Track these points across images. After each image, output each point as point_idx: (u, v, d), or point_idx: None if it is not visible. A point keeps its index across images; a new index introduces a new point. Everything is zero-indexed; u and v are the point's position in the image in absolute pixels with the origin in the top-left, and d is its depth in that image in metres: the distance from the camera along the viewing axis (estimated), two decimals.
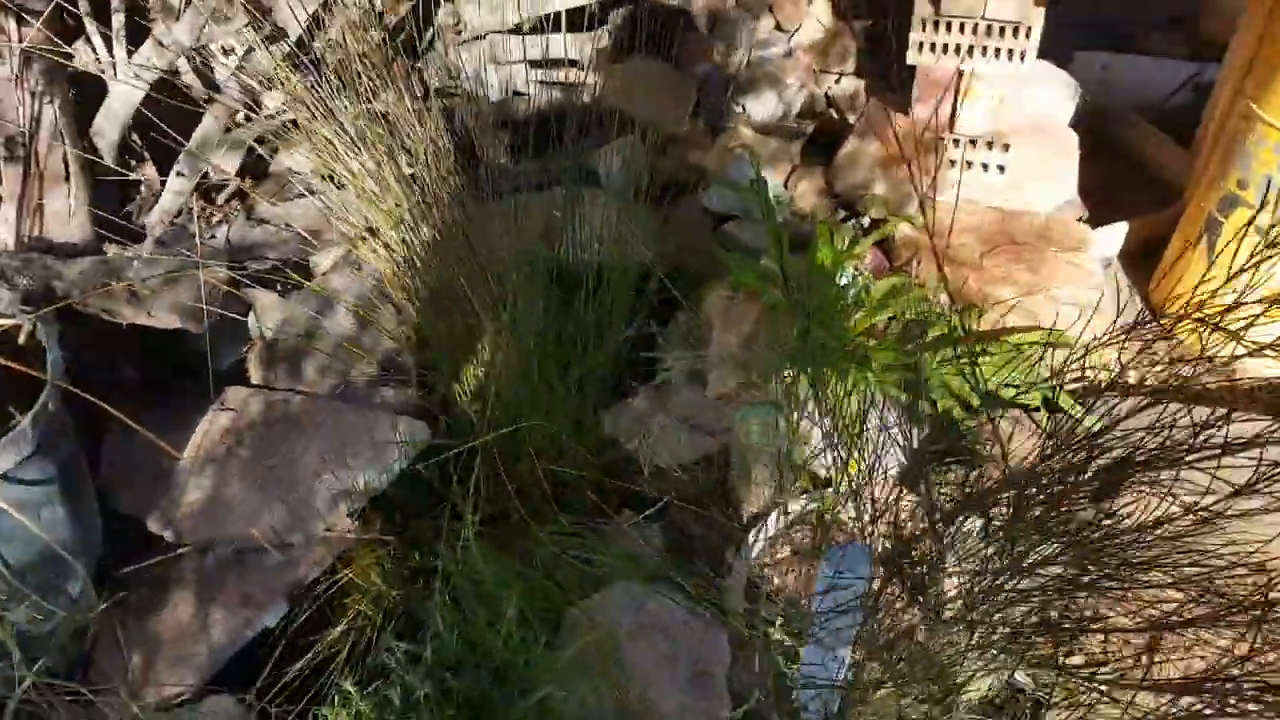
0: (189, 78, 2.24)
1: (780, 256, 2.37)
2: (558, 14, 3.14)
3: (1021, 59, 2.57)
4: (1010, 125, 2.67)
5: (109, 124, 2.13)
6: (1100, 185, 3.11)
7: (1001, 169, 2.74)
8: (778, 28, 3.22)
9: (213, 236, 2.02)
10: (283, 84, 1.80)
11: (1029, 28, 2.50)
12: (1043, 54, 2.83)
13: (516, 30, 3.19)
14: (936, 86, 2.67)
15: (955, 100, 2.65)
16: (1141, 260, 2.80)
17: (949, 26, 2.57)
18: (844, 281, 2.37)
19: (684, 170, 2.88)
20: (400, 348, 2.15)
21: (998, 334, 2.26)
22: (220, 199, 2.24)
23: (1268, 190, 2.30)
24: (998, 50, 2.57)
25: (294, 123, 1.94)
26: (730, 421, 2.24)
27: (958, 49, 2.60)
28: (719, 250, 2.37)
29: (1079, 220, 2.89)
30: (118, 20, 2.17)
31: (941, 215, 2.67)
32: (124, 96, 2.17)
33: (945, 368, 2.11)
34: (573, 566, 1.86)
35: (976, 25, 2.54)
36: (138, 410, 1.97)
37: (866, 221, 2.74)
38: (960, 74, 2.63)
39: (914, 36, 2.62)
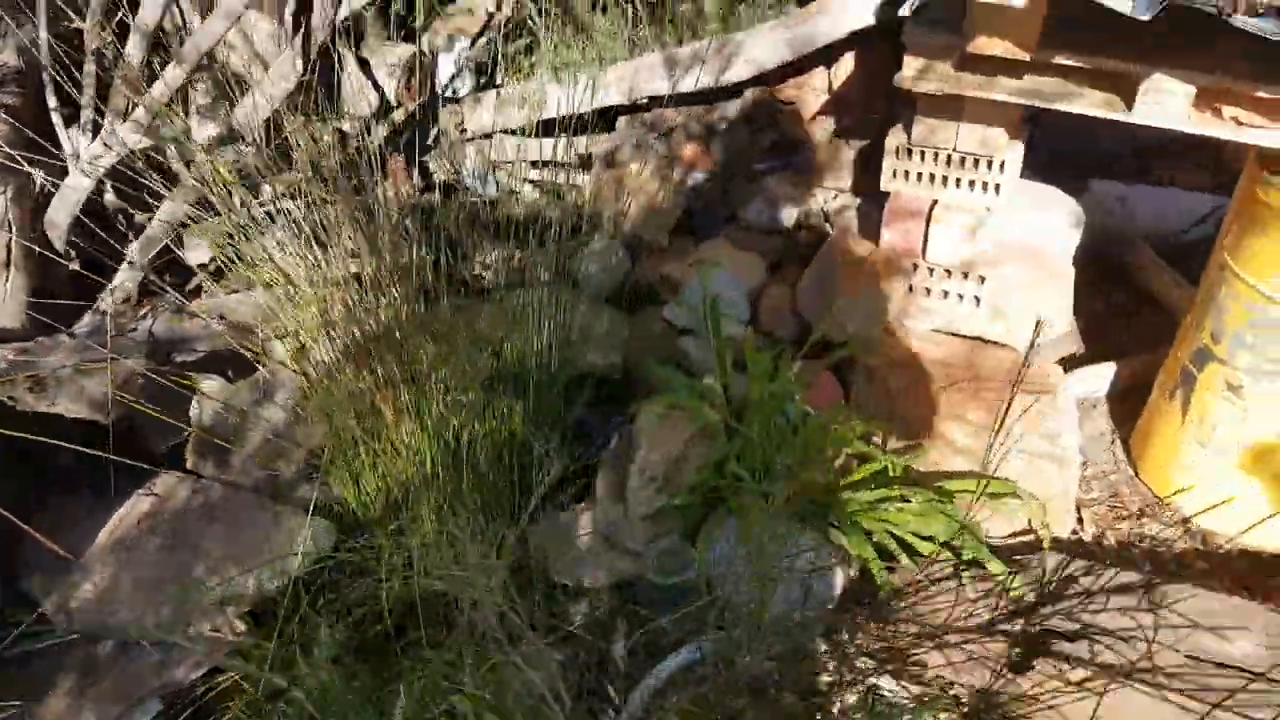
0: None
1: (724, 376, 2.31)
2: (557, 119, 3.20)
3: (995, 191, 2.49)
4: (992, 255, 2.58)
5: (61, 213, 2.21)
6: (1103, 316, 2.99)
7: (977, 300, 2.64)
8: (780, 140, 3.21)
9: (134, 329, 2.06)
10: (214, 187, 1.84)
11: (1002, 161, 2.43)
12: (1055, 180, 2.75)
13: (517, 132, 3.25)
14: (906, 213, 2.60)
15: (926, 228, 2.57)
16: (1129, 402, 2.66)
17: (921, 155, 2.52)
18: (788, 409, 2.29)
19: (658, 280, 2.86)
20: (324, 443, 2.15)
21: (933, 478, 2.15)
22: (127, 294, 2.26)
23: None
24: (970, 182, 2.50)
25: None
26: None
27: (931, 178, 2.54)
28: (655, 365, 2.32)
29: (1071, 355, 2.77)
30: (85, 115, 2.26)
31: (910, 344, 2.58)
32: (76, 186, 2.24)
33: (867, 513, 2.01)
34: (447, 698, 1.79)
35: (950, 156, 2.48)
36: (68, 493, 1.99)
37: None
38: (934, 202, 2.57)
39: (887, 163, 2.57)
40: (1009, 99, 2.12)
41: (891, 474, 2.15)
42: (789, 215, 3.08)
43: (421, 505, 1.97)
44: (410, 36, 3.36)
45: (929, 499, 1.98)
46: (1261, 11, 1.57)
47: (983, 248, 2.57)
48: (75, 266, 2.16)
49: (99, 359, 1.90)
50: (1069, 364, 2.73)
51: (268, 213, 2.10)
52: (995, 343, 2.65)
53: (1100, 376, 2.74)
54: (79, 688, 1.91)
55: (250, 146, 2.12)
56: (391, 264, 2.32)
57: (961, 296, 2.66)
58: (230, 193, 2.01)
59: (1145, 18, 1.61)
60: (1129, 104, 2.01)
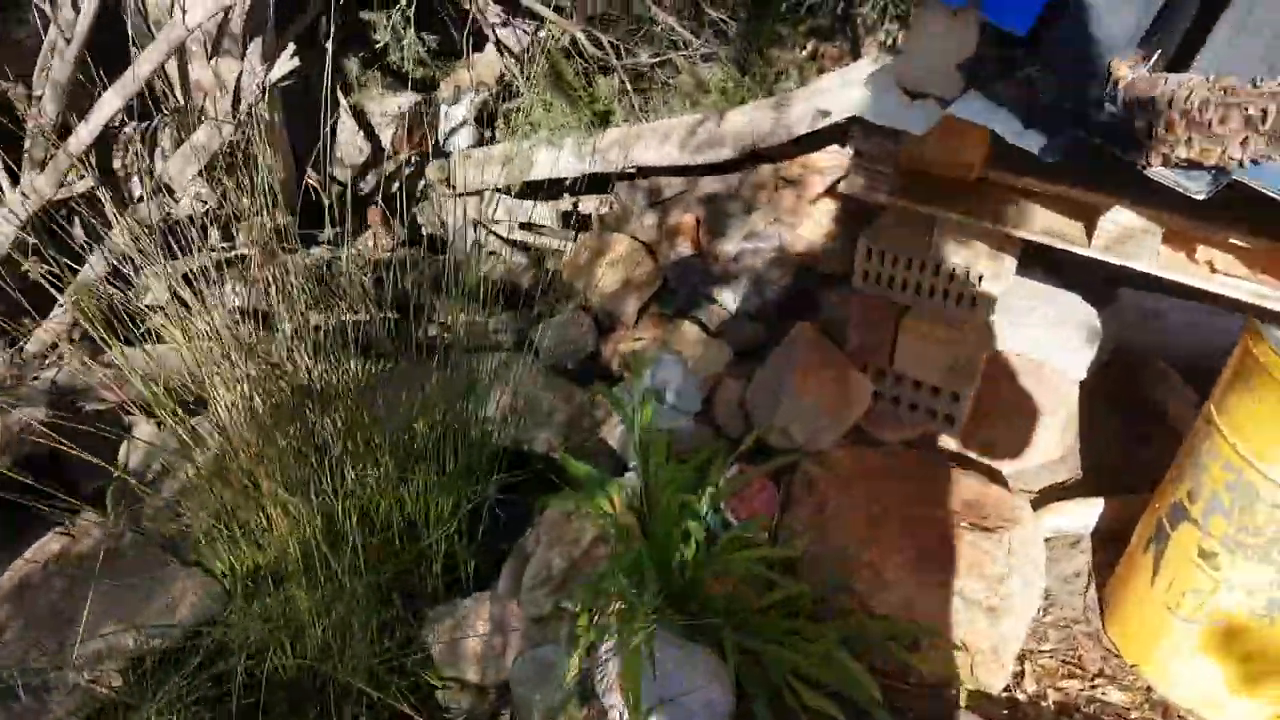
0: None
1: (645, 475, 2.19)
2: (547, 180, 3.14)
3: (972, 304, 2.31)
4: (970, 368, 2.40)
5: None
6: (1111, 441, 2.74)
7: (950, 420, 2.46)
8: (776, 221, 3.08)
9: (36, 379, 2.07)
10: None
11: (980, 274, 2.26)
12: (1080, 288, 2.53)
13: (508, 191, 3.21)
14: (875, 316, 2.44)
15: (894, 335, 2.41)
16: (1115, 544, 2.41)
17: (894, 259, 2.36)
18: (707, 518, 2.16)
19: (616, 357, 2.76)
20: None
21: (850, 614, 1.99)
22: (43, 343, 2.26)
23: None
24: (945, 292, 2.33)
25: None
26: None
27: (903, 284, 2.38)
28: (568, 459, 2.21)
29: (1061, 483, 2.55)
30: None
31: (867, 458, 2.41)
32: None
33: (765, 644, 1.86)
34: None
35: (923, 263, 2.32)
36: None
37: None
38: (905, 308, 2.41)
39: (857, 262, 2.41)
40: (954, 217, 1.96)
41: (801, 605, 1.99)
42: (770, 300, 2.94)
43: (293, 584, 1.91)
44: (422, 85, 3.37)
45: (830, 642, 1.82)
46: (1176, 164, 1.40)
47: (959, 362, 2.39)
48: None
49: None
50: (1057, 493, 2.51)
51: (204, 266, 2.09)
52: (974, 462, 2.46)
53: (1086, 512, 2.50)
54: None
55: (179, 199, 2.12)
56: (332, 323, 2.29)
57: (934, 412, 2.48)
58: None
59: (1049, 160, 1.45)
60: (1089, 235, 1.83)
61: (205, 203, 2.48)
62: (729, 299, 2.96)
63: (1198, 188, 1.51)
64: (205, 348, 1.90)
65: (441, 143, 3.34)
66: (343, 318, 2.60)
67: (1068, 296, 2.53)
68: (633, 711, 1.82)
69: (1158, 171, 1.44)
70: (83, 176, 2.03)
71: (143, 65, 2.08)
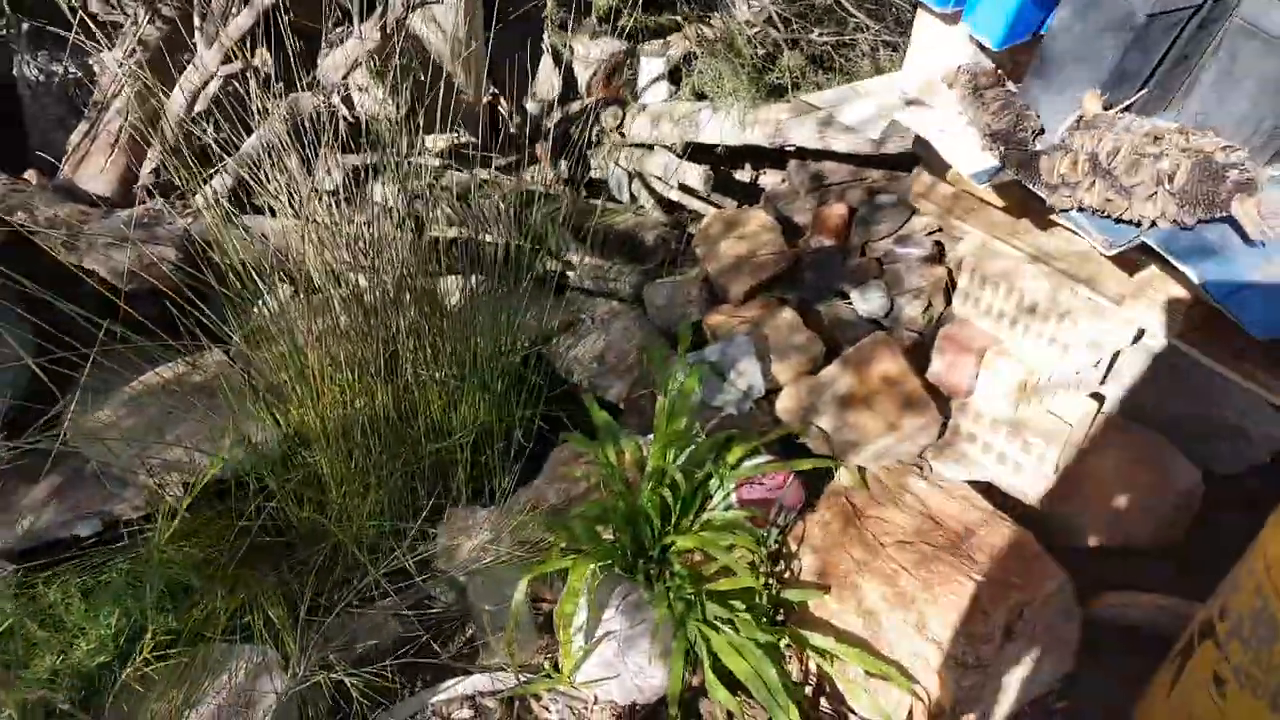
0: None
1: (659, 438, 2.19)
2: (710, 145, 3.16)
3: (1065, 351, 2.10)
4: (1051, 420, 2.19)
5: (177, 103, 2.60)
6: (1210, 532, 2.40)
7: (1019, 466, 2.26)
8: (938, 231, 2.91)
9: (172, 223, 2.41)
10: None
11: (1064, 312, 2.05)
12: None
13: (671, 149, 3.27)
14: (960, 344, 2.27)
15: (977, 368, 2.24)
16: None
17: (994, 285, 2.19)
18: (716, 497, 2.15)
19: (710, 329, 2.76)
20: None
21: (809, 626, 1.93)
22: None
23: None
24: (1039, 333, 2.13)
25: None
26: None
27: (1000, 314, 2.20)
28: (591, 402, 2.26)
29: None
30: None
31: (916, 489, 2.27)
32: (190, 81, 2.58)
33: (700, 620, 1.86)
34: None
35: (1021, 296, 2.14)
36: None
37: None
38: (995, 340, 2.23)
39: (960, 284, 2.26)
40: (1005, 245, 1.80)
41: (759, 600, 1.96)
42: (904, 308, 2.79)
43: (322, 452, 2.15)
44: (635, 35, 3.47)
45: (764, 640, 1.78)
46: (1083, 209, 1.23)
47: (1041, 410, 2.19)
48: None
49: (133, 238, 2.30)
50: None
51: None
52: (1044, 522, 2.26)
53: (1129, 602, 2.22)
54: (58, 489, 2.36)
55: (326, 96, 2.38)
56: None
57: (1003, 456, 2.28)
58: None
59: (981, 184, 1.32)
60: None
61: (380, 105, 2.76)
62: (858, 299, 2.85)
63: (1109, 239, 1.32)
64: (312, 231, 2.15)
65: (638, 93, 3.45)
66: (473, 235, 2.81)
67: None
68: (563, 645, 1.90)
69: (1070, 216, 1.27)
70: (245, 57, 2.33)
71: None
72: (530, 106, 3.33)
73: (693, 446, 2.15)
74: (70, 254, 2.23)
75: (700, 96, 3.14)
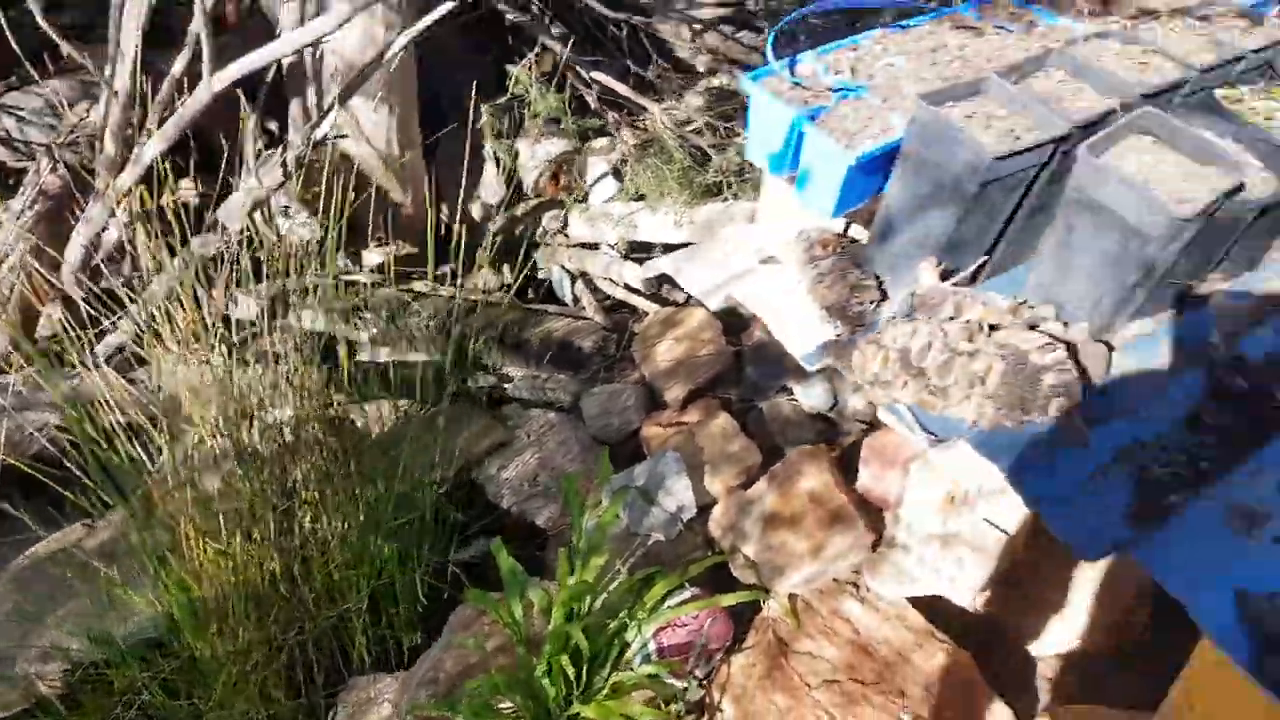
0: None
1: (563, 588, 2.07)
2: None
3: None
4: (976, 535, 2.04)
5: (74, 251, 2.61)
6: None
7: (954, 580, 2.10)
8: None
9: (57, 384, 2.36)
10: None
11: None
12: None
13: (614, 247, 3.20)
14: (885, 455, 2.14)
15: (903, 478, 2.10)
16: None
17: None
18: (634, 646, 2.02)
19: (648, 439, 2.66)
20: None
21: None
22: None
23: None
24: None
25: None
26: None
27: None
28: (499, 549, 2.14)
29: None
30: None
31: (848, 610, 2.13)
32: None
33: None
34: None
35: None
36: None
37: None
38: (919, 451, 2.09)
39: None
40: None
41: None
42: (849, 402, 2.66)
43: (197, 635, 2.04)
44: (584, 135, 3.42)
45: None
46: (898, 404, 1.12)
47: (975, 519, 2.04)
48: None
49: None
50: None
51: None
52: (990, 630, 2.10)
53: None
54: None
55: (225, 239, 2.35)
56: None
57: (938, 570, 2.13)
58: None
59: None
60: None
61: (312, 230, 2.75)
62: (801, 393, 2.72)
63: (931, 438, 1.23)
64: (202, 377, 2.11)
65: (587, 192, 3.40)
66: (403, 356, 2.76)
67: None
68: None
69: (893, 408, 1.16)
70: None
71: (187, 110, 2.31)
72: (474, 211, 3.30)
73: (605, 594, 2.03)
74: None
75: (640, 196, 3.08)
